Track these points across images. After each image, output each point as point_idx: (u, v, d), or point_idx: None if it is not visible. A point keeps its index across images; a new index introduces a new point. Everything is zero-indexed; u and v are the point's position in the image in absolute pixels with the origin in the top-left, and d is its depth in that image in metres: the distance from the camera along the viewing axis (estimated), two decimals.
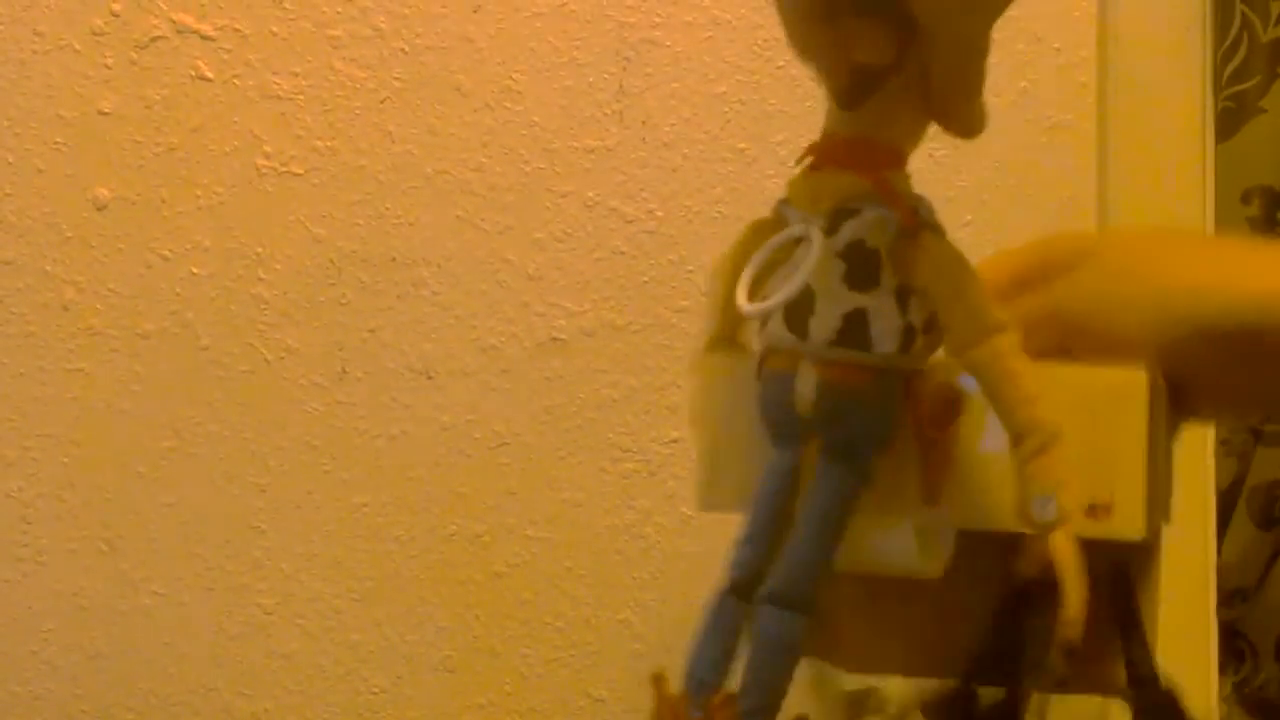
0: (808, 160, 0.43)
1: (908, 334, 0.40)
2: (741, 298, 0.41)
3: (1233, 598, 1.38)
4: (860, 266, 0.40)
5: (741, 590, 0.42)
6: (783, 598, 0.41)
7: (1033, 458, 0.38)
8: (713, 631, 0.45)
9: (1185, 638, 0.90)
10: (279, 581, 1.00)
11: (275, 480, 0.99)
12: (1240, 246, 0.46)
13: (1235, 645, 0.86)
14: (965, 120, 0.42)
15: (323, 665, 1.00)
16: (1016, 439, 0.38)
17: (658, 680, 0.45)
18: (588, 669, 0.98)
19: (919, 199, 0.41)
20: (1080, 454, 0.40)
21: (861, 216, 0.41)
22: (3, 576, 1.01)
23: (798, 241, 0.41)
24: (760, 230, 0.45)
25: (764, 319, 0.41)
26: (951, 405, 0.41)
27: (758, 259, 0.43)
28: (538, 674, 0.98)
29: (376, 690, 1.00)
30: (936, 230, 0.41)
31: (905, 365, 0.40)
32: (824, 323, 0.40)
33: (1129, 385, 0.43)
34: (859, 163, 0.41)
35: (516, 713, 0.99)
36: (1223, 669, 0.84)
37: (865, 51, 0.40)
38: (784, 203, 0.44)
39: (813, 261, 0.40)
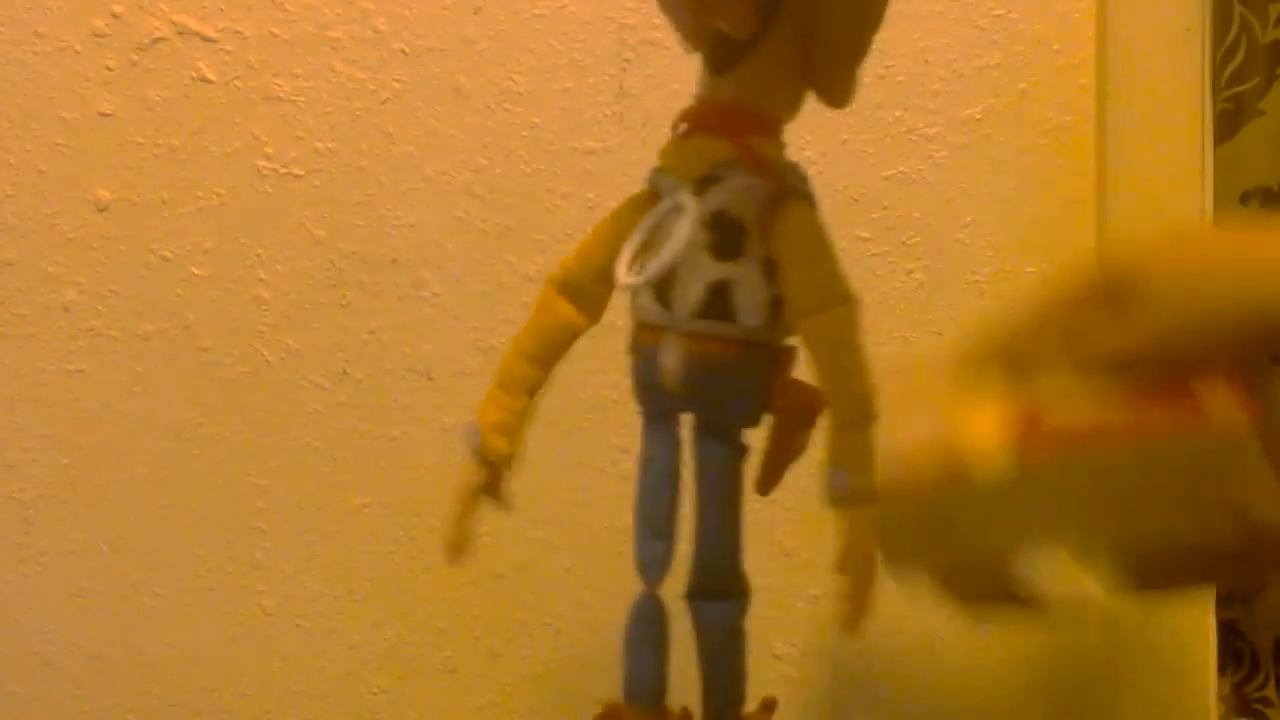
0: (682, 126, 0.41)
1: (774, 306, 0.38)
2: (621, 271, 0.40)
3: (1232, 598, 1.38)
4: (725, 236, 0.39)
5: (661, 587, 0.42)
6: (715, 590, 0.41)
7: (845, 430, 0.37)
8: (646, 639, 0.45)
9: (1185, 638, 0.90)
10: (279, 582, 1.00)
11: (276, 481, 0.99)
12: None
13: (1235, 645, 0.86)
14: (841, 90, 0.40)
15: (323, 666, 1.00)
16: (836, 408, 0.37)
17: (614, 711, 0.45)
18: (588, 670, 0.98)
19: (790, 167, 0.39)
20: None
21: (727, 184, 0.39)
22: (3, 577, 1.01)
23: (677, 211, 0.40)
24: (636, 203, 0.43)
25: (634, 294, 0.40)
26: (808, 409, 0.40)
27: (642, 230, 0.41)
28: (538, 675, 0.99)
29: (377, 691, 1.00)
30: (805, 199, 0.39)
31: (772, 338, 0.39)
32: (688, 295, 0.38)
33: None
34: (728, 129, 0.39)
35: (517, 713, 0.99)
36: (1222, 669, 0.84)
37: (727, 20, 0.38)
38: (658, 171, 0.42)
39: (684, 232, 0.39)
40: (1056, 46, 0.95)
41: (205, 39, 0.99)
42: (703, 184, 0.39)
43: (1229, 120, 1.34)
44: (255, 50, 0.98)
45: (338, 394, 0.99)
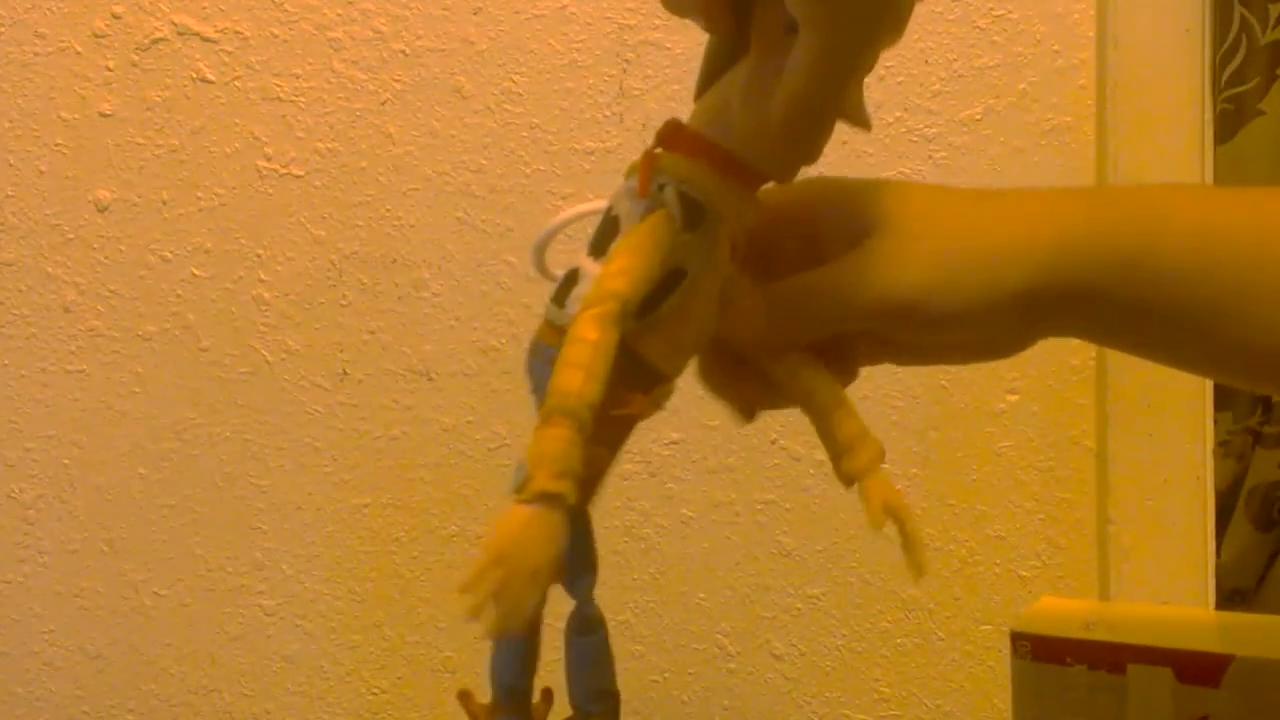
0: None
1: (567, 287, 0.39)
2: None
3: (1231, 598, 1.38)
4: (603, 235, 0.40)
5: None
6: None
7: (539, 425, 0.36)
8: (513, 636, 0.44)
9: None
10: (279, 582, 1.00)
11: (276, 481, 0.99)
12: (1019, 196, 0.43)
13: None
14: (808, 147, 0.40)
15: (323, 666, 1.00)
16: (548, 400, 0.36)
17: (464, 697, 0.45)
18: None
19: (682, 182, 0.39)
20: None
21: (624, 187, 0.40)
22: (4, 577, 1.01)
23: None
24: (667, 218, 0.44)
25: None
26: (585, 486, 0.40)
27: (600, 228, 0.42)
28: (538, 675, 0.98)
29: (377, 691, 1.00)
30: (668, 214, 0.39)
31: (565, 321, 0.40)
32: (577, 291, 0.39)
33: None
34: (658, 141, 0.40)
35: None
36: None
37: (701, 14, 0.39)
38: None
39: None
40: (1056, 46, 0.95)
41: (205, 39, 0.99)
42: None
43: (1229, 120, 1.34)
44: (255, 50, 0.98)
45: (338, 394, 0.99)
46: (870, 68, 0.39)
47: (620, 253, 0.38)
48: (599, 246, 0.40)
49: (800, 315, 0.42)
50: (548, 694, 0.47)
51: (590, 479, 0.40)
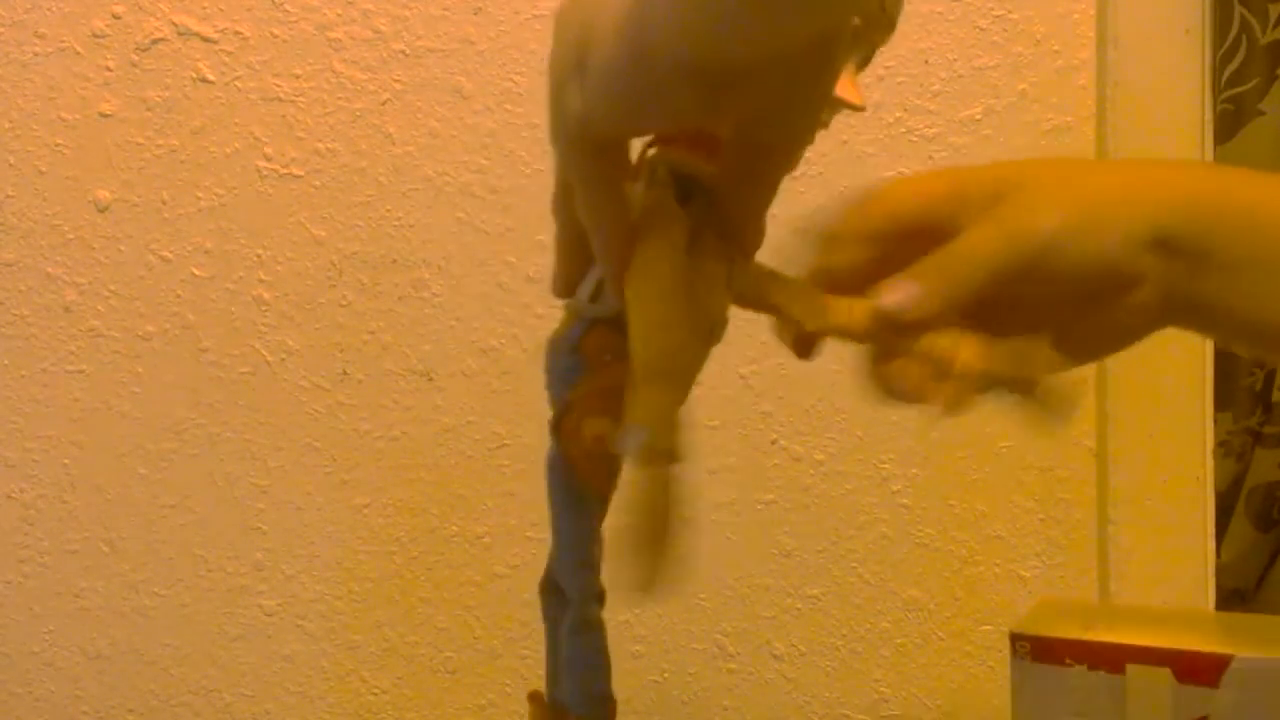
0: None
1: (601, 288, 0.40)
2: None
3: (1231, 598, 1.38)
4: None
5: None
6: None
7: (639, 384, 0.37)
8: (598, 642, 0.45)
9: None
10: (280, 583, 1.00)
11: (276, 482, 0.99)
12: (1160, 164, 0.46)
13: None
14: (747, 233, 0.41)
15: (323, 666, 1.00)
16: (638, 372, 0.37)
17: (535, 698, 0.45)
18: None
19: (672, 163, 0.40)
20: None
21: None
22: (4, 577, 1.01)
23: None
24: None
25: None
26: (595, 463, 0.40)
27: None
28: (538, 675, 0.98)
29: (377, 691, 1.00)
30: (663, 192, 0.40)
31: (590, 313, 0.40)
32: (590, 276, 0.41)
33: None
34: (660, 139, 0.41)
35: (517, 714, 0.99)
36: None
37: None
38: None
39: None
40: (1056, 47, 0.95)
41: (205, 39, 0.99)
42: None
43: (1229, 120, 1.34)
44: (255, 50, 0.98)
45: (338, 394, 0.99)
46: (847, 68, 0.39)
47: (644, 236, 0.38)
48: None
49: (946, 278, 0.42)
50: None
51: (600, 457, 0.41)
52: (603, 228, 0.39)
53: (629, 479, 0.36)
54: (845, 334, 0.42)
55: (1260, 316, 0.43)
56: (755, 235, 0.41)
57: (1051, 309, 0.45)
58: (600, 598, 0.44)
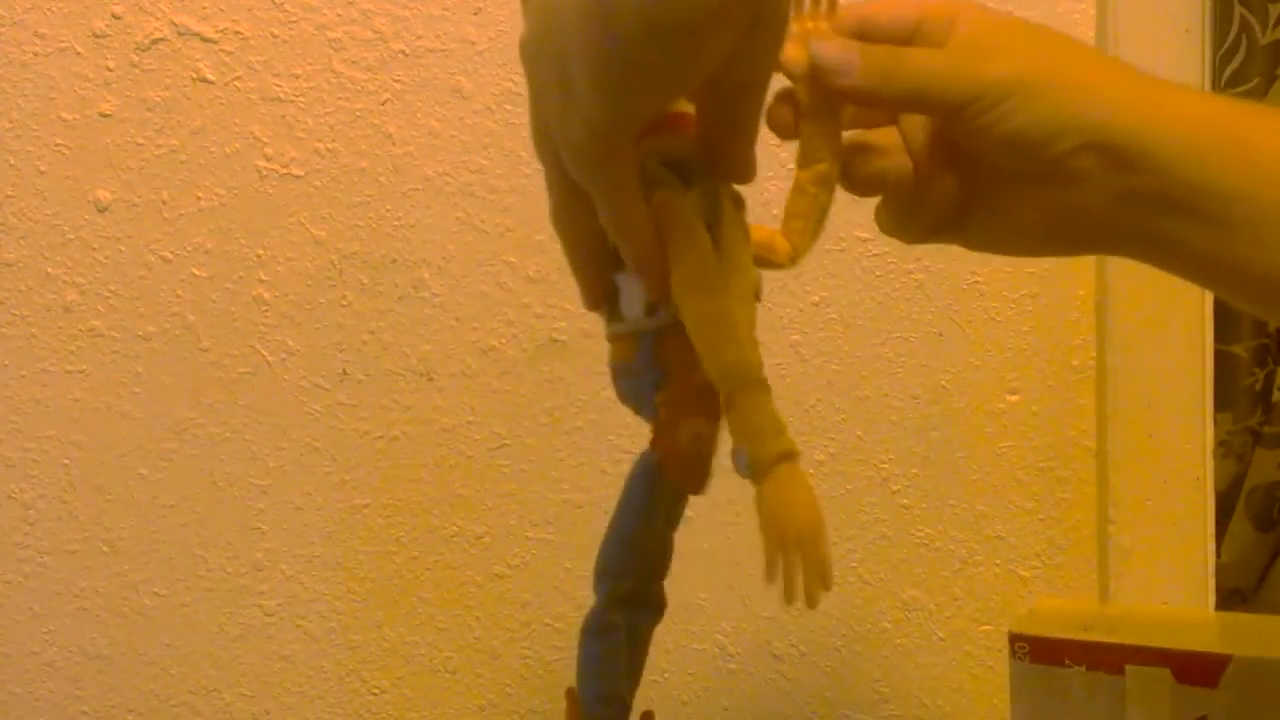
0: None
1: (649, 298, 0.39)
2: None
3: (1231, 599, 1.38)
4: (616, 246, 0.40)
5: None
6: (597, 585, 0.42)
7: (727, 405, 0.37)
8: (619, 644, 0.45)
9: None
10: (280, 583, 1.00)
11: (276, 482, 0.99)
12: (1138, 79, 0.44)
13: None
14: (740, 160, 0.41)
15: (323, 667, 1.00)
16: (717, 385, 0.37)
17: (571, 695, 0.45)
18: None
19: (658, 154, 0.40)
20: None
21: None
22: (4, 577, 1.01)
23: None
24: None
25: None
26: (694, 463, 0.40)
27: None
28: (538, 675, 0.99)
29: (377, 691, 1.00)
30: (670, 187, 0.39)
31: (651, 325, 0.40)
32: (624, 298, 0.40)
33: None
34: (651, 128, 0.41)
35: (516, 714, 0.99)
36: None
37: None
38: None
39: None
40: None
41: (205, 39, 0.99)
42: None
43: None
44: (255, 50, 0.98)
45: (338, 394, 0.99)
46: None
47: (664, 233, 0.38)
48: (619, 259, 0.40)
49: (887, 74, 0.43)
50: (647, 716, 0.47)
51: (699, 455, 0.41)
52: (634, 236, 0.39)
53: (763, 495, 0.36)
54: (784, 69, 0.44)
55: (1216, 257, 0.41)
56: (750, 166, 0.42)
57: (990, 176, 0.44)
58: (652, 609, 0.43)
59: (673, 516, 0.42)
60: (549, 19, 0.36)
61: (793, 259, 0.45)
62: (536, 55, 0.38)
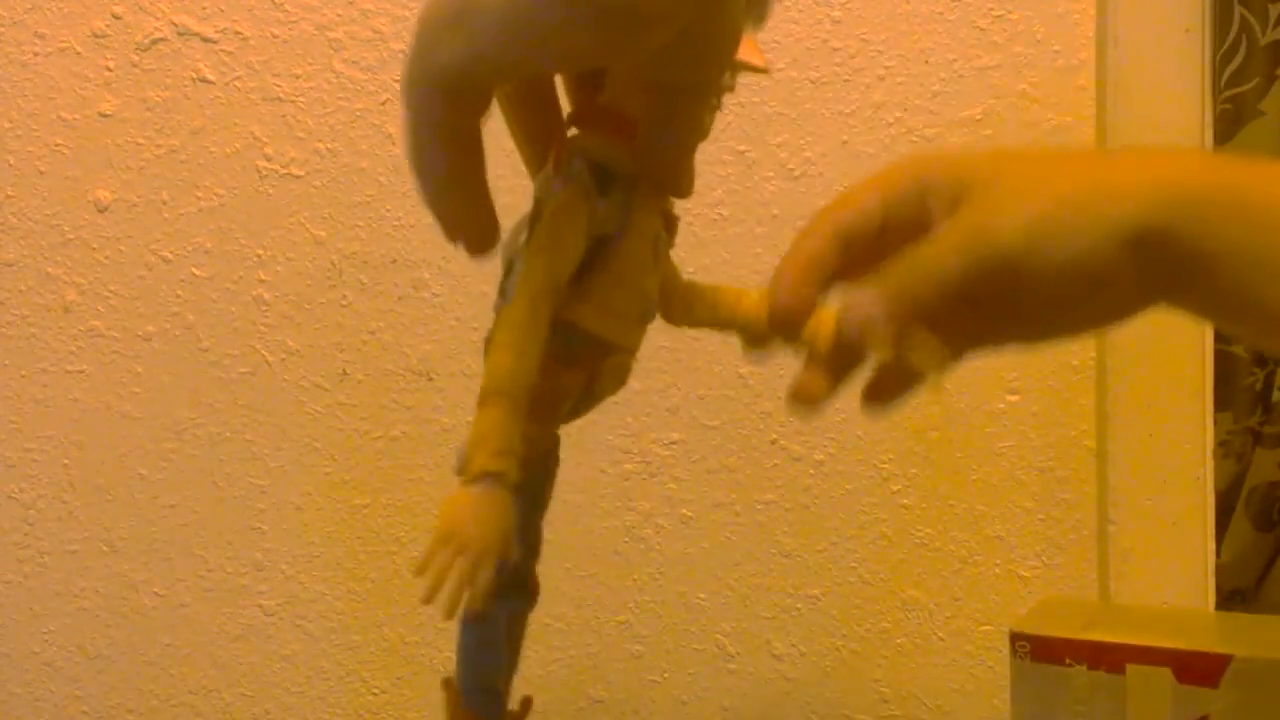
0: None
1: None
2: None
3: (1231, 599, 1.38)
4: (530, 220, 0.41)
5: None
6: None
7: (477, 407, 0.37)
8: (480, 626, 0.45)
9: None
10: (280, 583, 1.00)
11: (276, 481, 0.99)
12: (1117, 150, 0.42)
13: None
14: (677, 176, 0.41)
15: (323, 666, 1.00)
16: (483, 382, 0.38)
17: (448, 685, 0.45)
18: (588, 670, 0.99)
19: (588, 153, 0.40)
20: None
21: (542, 176, 0.41)
22: (4, 577, 1.01)
23: None
24: None
25: None
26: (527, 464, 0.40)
27: None
28: (538, 675, 0.99)
29: (377, 691, 1.00)
30: (578, 186, 0.40)
31: None
32: (512, 279, 0.41)
33: None
34: (570, 120, 0.41)
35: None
36: None
37: None
38: None
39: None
40: (1056, 47, 0.95)
41: (205, 39, 0.99)
42: None
43: (1229, 121, 1.34)
44: (255, 50, 0.98)
45: (338, 394, 0.99)
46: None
47: (539, 232, 0.39)
48: (530, 233, 0.41)
49: (906, 292, 0.40)
50: (527, 702, 0.47)
51: (530, 458, 0.40)
52: (458, 189, 0.38)
53: (452, 495, 0.36)
54: (814, 350, 0.42)
55: (1251, 306, 0.40)
56: (685, 178, 0.41)
57: (1023, 307, 0.43)
58: (526, 596, 0.43)
59: (540, 503, 0.43)
60: None
61: (755, 340, 0.44)
62: None
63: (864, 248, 0.42)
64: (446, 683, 0.44)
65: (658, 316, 0.44)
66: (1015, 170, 0.41)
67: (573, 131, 0.41)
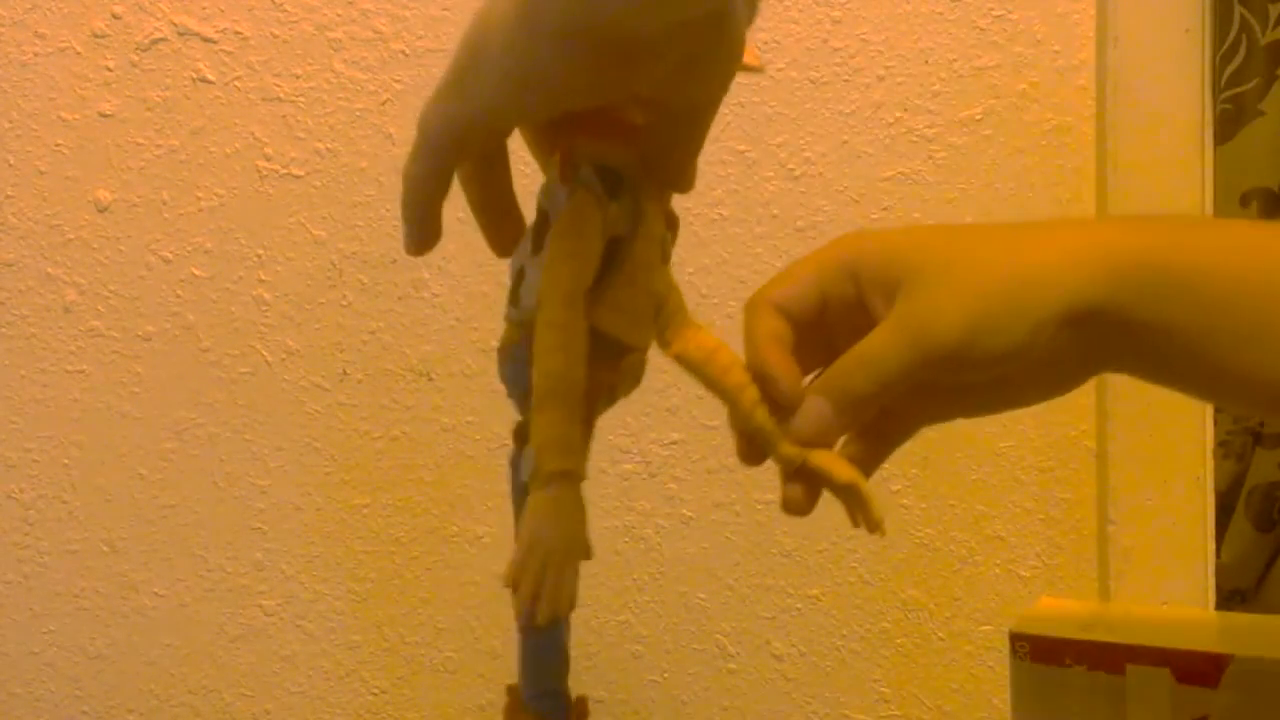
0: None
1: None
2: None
3: (1231, 599, 1.38)
4: (538, 231, 0.41)
5: None
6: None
7: (535, 413, 0.38)
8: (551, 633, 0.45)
9: None
10: (280, 583, 1.00)
11: (276, 481, 0.99)
12: (1052, 225, 0.43)
13: None
14: (680, 172, 0.41)
15: (323, 666, 1.00)
16: (534, 388, 0.38)
17: (513, 691, 0.45)
18: (588, 670, 0.99)
19: (594, 158, 0.40)
20: None
21: (547, 181, 0.42)
22: (4, 578, 1.01)
23: None
24: None
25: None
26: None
27: None
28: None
29: (377, 691, 1.00)
30: (588, 192, 0.40)
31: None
32: (527, 285, 0.41)
33: None
34: (572, 127, 0.41)
35: None
36: None
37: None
38: None
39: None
40: (1056, 47, 0.95)
41: (205, 39, 0.99)
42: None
43: (1229, 121, 1.34)
44: (255, 51, 0.98)
45: (338, 394, 0.99)
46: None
47: (558, 238, 0.39)
48: (537, 243, 0.41)
49: (853, 393, 0.42)
50: (582, 702, 0.47)
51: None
52: (482, 214, 0.40)
53: (531, 504, 0.37)
54: (787, 504, 0.44)
55: (1194, 372, 0.41)
56: (689, 174, 0.41)
57: (967, 391, 0.44)
58: None
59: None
60: (489, 7, 0.37)
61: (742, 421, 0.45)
62: (464, 37, 0.38)
63: (808, 325, 0.43)
64: (511, 689, 0.44)
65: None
66: (948, 258, 0.41)
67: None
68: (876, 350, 0.41)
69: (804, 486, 0.44)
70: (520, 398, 0.40)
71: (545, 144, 0.42)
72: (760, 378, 0.42)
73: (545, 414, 0.37)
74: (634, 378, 0.43)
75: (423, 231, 0.44)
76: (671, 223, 0.43)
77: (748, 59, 0.42)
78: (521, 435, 0.40)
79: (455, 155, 0.40)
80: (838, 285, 0.43)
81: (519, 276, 0.41)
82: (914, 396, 0.43)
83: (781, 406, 0.42)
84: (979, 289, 0.40)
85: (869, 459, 0.47)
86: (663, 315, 0.43)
